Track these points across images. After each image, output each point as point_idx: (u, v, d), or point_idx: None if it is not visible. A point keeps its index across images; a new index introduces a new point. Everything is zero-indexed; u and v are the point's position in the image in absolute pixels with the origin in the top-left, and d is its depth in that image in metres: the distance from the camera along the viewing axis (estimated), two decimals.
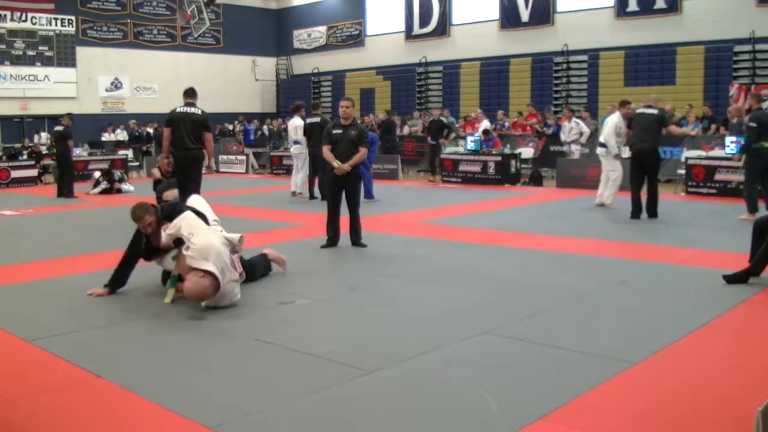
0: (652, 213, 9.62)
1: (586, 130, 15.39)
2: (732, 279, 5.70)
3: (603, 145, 10.92)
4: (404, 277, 6.25)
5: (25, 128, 22.78)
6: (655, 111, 9.90)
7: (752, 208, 9.34)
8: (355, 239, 7.74)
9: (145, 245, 5.53)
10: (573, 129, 15.30)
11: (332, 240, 7.74)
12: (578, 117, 16.98)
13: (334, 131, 7.66)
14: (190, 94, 9.05)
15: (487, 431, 3.09)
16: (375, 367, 3.84)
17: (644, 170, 9.73)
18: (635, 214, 9.64)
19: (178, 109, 8.92)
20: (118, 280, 5.64)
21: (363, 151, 7.59)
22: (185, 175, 8.85)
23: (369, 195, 12.31)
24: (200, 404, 3.39)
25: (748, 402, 3.07)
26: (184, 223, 5.27)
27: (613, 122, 10.70)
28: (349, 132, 7.57)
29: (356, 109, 13.14)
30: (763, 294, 5.44)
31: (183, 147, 8.76)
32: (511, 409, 3.29)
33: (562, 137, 15.75)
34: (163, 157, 9.86)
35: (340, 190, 7.69)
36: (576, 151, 15.29)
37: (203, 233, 5.22)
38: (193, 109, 8.90)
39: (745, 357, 4.07)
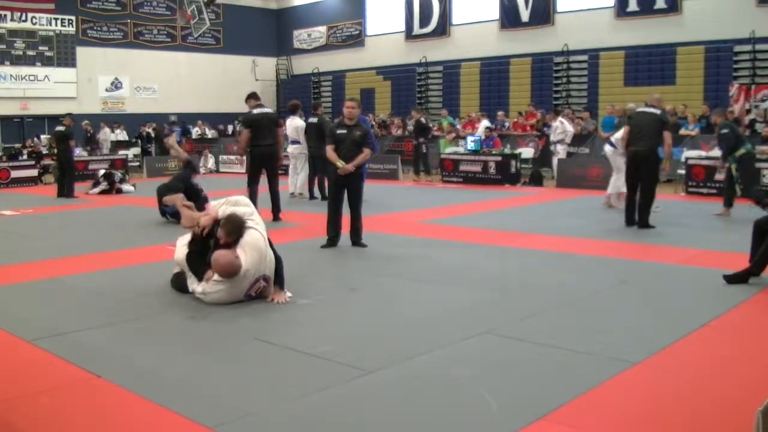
0: (642, 222, 8.82)
1: (570, 130, 15.34)
2: (732, 279, 5.70)
3: (613, 144, 10.78)
4: (404, 277, 6.25)
5: (25, 128, 22.78)
6: (657, 111, 9.19)
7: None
8: (356, 239, 7.74)
9: (212, 245, 5.35)
10: (558, 128, 15.27)
11: (332, 240, 7.73)
12: (579, 116, 16.97)
13: (338, 131, 7.65)
14: (256, 96, 10.18)
15: (487, 431, 3.09)
16: (375, 367, 3.84)
17: (639, 174, 8.93)
18: (629, 221, 8.98)
19: (254, 112, 9.86)
20: (196, 269, 5.42)
21: (367, 152, 7.61)
22: (268, 168, 9.92)
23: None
24: (200, 404, 3.39)
25: (748, 402, 3.07)
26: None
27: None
28: (353, 132, 7.56)
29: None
30: (763, 294, 5.44)
31: (263, 144, 9.67)
32: (511, 409, 3.29)
33: (551, 137, 15.71)
34: (240, 150, 10.36)
35: (342, 190, 7.70)
36: (561, 150, 15.22)
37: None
38: (266, 109, 10.08)
39: (745, 357, 4.07)
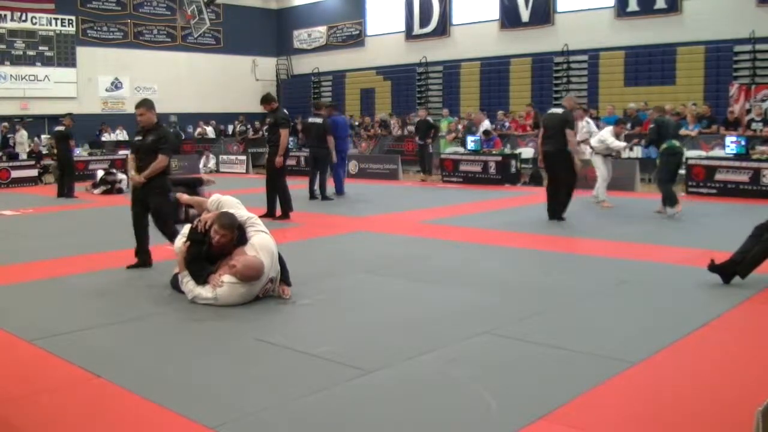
0: (558, 214, 9.39)
1: (595, 130, 15.22)
2: (717, 269, 5.69)
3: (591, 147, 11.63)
4: (404, 277, 6.25)
5: (25, 128, 22.76)
6: (560, 111, 9.71)
7: (675, 200, 9.67)
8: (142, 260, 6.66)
9: (205, 251, 5.36)
10: (584, 128, 15.15)
11: (141, 263, 6.70)
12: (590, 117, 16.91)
13: (135, 138, 6.94)
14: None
15: (487, 431, 3.09)
16: (375, 367, 3.84)
17: (555, 173, 9.51)
18: (552, 215, 9.49)
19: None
20: (199, 273, 5.33)
21: (160, 159, 6.61)
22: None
23: (340, 191, 13.22)
24: (200, 404, 3.39)
25: (748, 402, 3.06)
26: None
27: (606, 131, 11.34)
28: (147, 138, 6.72)
29: (356, 108, 13.21)
30: (763, 294, 5.44)
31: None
32: (511, 409, 3.29)
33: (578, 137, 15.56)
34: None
35: (140, 205, 6.76)
36: (586, 150, 15.11)
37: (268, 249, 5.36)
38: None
39: (745, 357, 4.07)
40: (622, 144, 11.42)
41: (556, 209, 9.41)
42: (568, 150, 9.31)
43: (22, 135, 20.32)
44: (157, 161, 6.61)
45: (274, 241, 5.47)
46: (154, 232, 6.85)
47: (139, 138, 6.82)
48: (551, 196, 9.57)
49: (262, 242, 5.31)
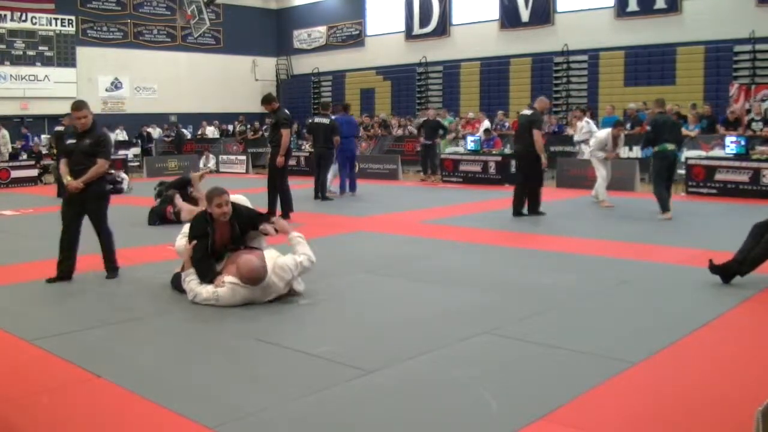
0: (532, 210, 9.85)
1: (595, 129, 15.25)
2: (717, 270, 5.70)
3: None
4: (404, 277, 6.25)
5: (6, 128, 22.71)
6: (528, 112, 10.07)
7: (666, 207, 9.61)
8: (110, 274, 6.39)
9: (210, 245, 5.40)
10: (583, 128, 15.16)
11: (63, 274, 6.26)
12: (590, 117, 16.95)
13: (68, 141, 6.44)
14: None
15: (487, 431, 3.09)
16: (375, 367, 3.84)
17: (524, 171, 9.93)
18: (516, 212, 9.89)
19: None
20: (206, 273, 5.36)
21: (100, 163, 6.22)
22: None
23: (353, 188, 13.49)
24: (200, 404, 3.39)
25: (748, 402, 3.07)
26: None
27: (604, 134, 11.39)
28: (83, 142, 6.24)
29: (357, 108, 13.28)
30: (763, 294, 5.44)
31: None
32: (511, 409, 3.29)
33: (576, 137, 15.60)
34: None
35: (75, 211, 6.39)
36: (586, 150, 15.14)
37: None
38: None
39: (745, 357, 4.07)
40: (615, 153, 11.49)
41: (530, 206, 9.78)
42: (535, 150, 9.68)
43: (4, 135, 19.82)
44: (97, 166, 6.21)
45: (296, 268, 5.34)
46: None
47: (73, 141, 6.33)
48: (517, 196, 9.91)
49: (283, 263, 5.28)
